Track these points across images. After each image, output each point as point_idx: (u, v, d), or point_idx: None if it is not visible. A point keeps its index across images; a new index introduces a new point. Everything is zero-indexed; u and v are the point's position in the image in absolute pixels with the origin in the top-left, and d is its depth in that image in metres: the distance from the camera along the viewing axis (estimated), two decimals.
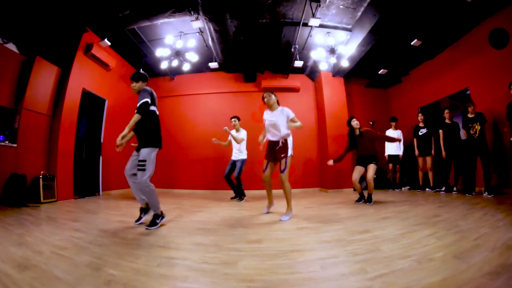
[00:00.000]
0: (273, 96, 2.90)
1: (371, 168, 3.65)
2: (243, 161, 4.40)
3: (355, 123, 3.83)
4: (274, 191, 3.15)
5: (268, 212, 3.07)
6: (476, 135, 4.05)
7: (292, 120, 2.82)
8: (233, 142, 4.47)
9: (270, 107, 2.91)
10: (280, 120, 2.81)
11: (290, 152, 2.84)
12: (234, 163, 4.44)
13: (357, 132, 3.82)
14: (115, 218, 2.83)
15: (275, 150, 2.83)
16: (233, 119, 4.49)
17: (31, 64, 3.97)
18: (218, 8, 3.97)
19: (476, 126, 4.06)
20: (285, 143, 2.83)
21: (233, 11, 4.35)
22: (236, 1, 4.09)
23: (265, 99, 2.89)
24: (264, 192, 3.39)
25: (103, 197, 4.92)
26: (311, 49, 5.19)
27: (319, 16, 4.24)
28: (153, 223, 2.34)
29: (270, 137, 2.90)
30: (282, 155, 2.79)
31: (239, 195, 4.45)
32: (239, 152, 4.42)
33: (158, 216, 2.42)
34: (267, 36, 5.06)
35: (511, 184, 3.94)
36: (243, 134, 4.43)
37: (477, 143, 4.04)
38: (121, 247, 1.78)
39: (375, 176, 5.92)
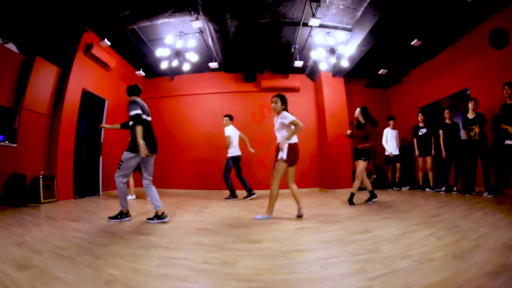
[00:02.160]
0: (279, 104, 2.75)
1: (359, 164, 3.55)
2: (227, 158, 4.61)
3: (356, 113, 3.69)
4: (266, 192, 3.04)
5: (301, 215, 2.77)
6: (476, 137, 4.03)
7: (292, 123, 2.66)
8: (232, 139, 4.60)
9: (276, 113, 2.83)
10: (278, 125, 2.77)
11: (281, 155, 2.67)
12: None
13: (360, 122, 3.69)
14: None
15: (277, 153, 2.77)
16: (225, 118, 4.72)
17: (31, 64, 3.96)
18: (218, 8, 3.97)
19: (476, 129, 4.03)
20: (278, 148, 2.74)
21: (233, 11, 4.34)
22: (236, 1, 4.08)
23: (272, 104, 2.80)
24: (263, 192, 3.34)
25: (103, 197, 4.92)
26: (311, 49, 5.18)
27: (319, 16, 4.23)
28: (115, 217, 2.64)
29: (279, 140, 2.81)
30: (275, 158, 2.76)
31: (232, 193, 4.57)
32: (232, 149, 4.63)
33: (123, 213, 2.67)
34: (267, 36, 5.05)
35: (510, 185, 3.94)
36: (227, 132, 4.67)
37: (478, 144, 4.03)
38: (121, 247, 1.78)
39: (374, 176, 5.97)
